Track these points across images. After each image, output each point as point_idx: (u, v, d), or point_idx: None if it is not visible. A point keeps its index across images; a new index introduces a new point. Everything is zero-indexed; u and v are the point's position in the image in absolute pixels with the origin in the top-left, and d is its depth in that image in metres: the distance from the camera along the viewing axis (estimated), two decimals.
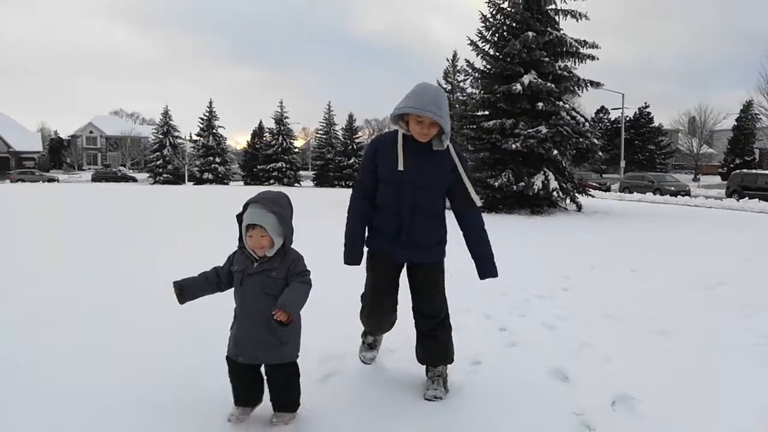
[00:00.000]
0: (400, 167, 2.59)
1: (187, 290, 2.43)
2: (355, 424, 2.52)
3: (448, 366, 2.88)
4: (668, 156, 58.52)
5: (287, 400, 2.50)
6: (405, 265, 2.83)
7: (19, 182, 45.93)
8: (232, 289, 2.49)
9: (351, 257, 2.79)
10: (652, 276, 6.23)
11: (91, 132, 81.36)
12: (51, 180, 50.00)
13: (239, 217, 2.41)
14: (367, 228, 2.83)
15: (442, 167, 2.66)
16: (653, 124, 58.16)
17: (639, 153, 55.55)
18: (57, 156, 77.09)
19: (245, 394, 2.51)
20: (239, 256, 2.47)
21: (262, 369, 2.50)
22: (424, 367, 2.90)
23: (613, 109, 49.69)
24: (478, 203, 2.75)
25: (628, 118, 52.49)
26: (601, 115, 59.47)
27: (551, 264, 7.00)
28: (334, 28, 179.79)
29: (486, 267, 2.77)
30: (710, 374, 3.19)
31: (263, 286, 2.38)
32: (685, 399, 2.81)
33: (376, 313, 2.90)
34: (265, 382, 2.51)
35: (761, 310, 4.68)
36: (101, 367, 3.10)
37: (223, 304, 2.72)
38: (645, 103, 58.41)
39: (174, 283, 2.42)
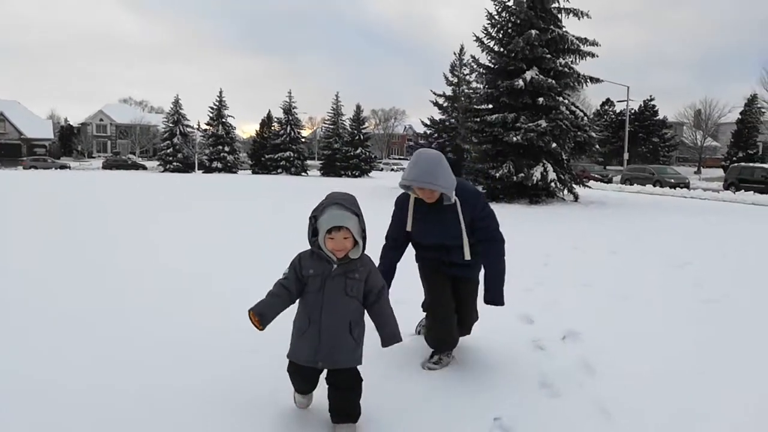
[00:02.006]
0: (408, 228, 3.05)
1: (265, 315, 2.36)
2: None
3: None
4: (672, 149, 59.05)
5: (352, 408, 2.41)
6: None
7: (32, 169, 46.91)
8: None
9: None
10: (627, 256, 7.11)
11: (101, 120, 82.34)
12: (63, 167, 50.94)
13: (313, 220, 2.35)
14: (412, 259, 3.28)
15: (454, 218, 2.98)
16: (657, 117, 58.65)
17: (643, 145, 56.09)
18: (67, 143, 78.05)
19: (309, 385, 2.51)
20: (311, 261, 2.39)
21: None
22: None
23: (618, 101, 50.22)
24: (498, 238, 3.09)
25: (632, 111, 52.95)
26: (607, 107, 59.87)
27: (539, 245, 7.89)
28: (343, 16, 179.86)
29: (492, 294, 3.04)
30: (646, 321, 4.15)
31: (346, 287, 2.34)
32: (621, 336, 3.74)
33: (440, 311, 3.10)
34: (328, 390, 2.44)
35: (711, 283, 5.55)
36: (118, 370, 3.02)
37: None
38: (650, 96, 58.92)
39: (249, 311, 2.35)
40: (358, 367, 2.43)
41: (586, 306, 4.49)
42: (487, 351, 3.32)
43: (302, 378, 2.45)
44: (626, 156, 39.67)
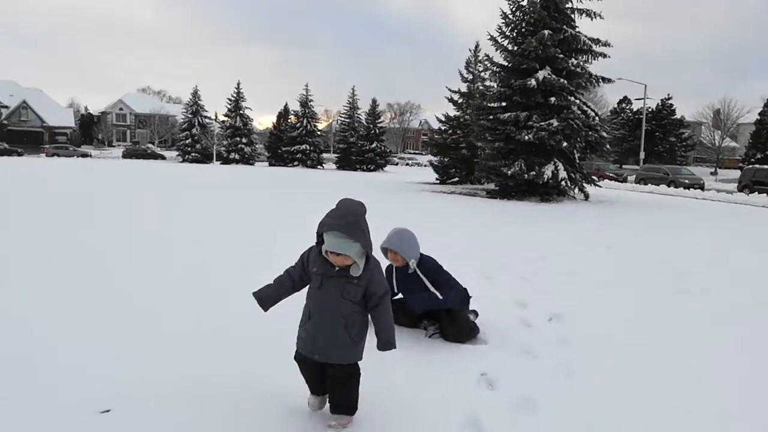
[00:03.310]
0: (395, 290, 3.78)
1: (266, 299, 2.56)
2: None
3: None
4: (689, 149, 58.66)
5: (348, 401, 2.55)
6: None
7: (54, 156, 48.07)
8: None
9: None
10: (620, 252, 7.63)
11: (120, 109, 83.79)
12: (84, 155, 52.10)
13: (320, 234, 2.42)
14: None
15: (414, 282, 3.72)
16: (675, 116, 58.27)
17: (659, 145, 55.84)
18: (88, 132, 79.56)
19: (319, 385, 2.61)
20: (317, 258, 2.47)
21: None
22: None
23: (636, 99, 50.00)
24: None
25: (650, 109, 52.69)
26: (624, 105, 59.67)
27: (542, 241, 8.41)
28: (360, 9, 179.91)
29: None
30: (623, 304, 4.76)
31: (343, 290, 2.41)
32: (597, 318, 4.29)
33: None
34: (327, 382, 2.57)
35: (692, 278, 6.03)
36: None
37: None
38: (668, 95, 58.48)
39: (253, 293, 2.57)
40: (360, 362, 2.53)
41: (572, 294, 5.06)
42: (483, 328, 3.86)
43: (305, 370, 2.58)
44: (642, 155, 39.62)
